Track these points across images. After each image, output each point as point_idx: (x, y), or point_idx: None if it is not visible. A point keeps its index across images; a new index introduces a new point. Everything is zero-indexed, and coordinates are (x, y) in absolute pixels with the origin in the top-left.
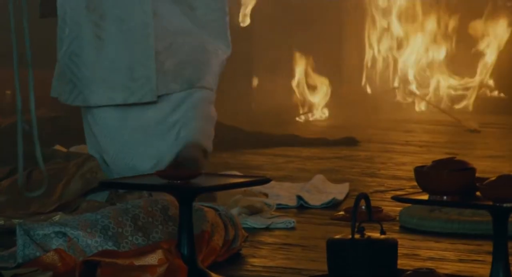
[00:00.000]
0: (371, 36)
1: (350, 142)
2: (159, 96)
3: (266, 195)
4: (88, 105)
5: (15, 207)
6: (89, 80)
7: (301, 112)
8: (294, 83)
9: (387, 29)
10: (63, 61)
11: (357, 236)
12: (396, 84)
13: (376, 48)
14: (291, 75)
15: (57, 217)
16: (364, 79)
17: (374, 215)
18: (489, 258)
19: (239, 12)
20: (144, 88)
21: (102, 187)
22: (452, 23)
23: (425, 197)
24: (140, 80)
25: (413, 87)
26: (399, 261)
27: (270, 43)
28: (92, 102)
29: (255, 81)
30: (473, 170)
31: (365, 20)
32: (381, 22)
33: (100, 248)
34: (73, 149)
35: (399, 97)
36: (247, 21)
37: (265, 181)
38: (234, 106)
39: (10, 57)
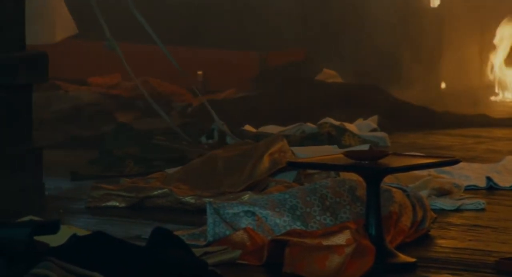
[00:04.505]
0: None
1: None
2: None
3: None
4: None
5: (206, 186)
6: None
7: (494, 91)
8: (487, 61)
9: None
10: None
11: None
12: None
13: None
14: (483, 52)
15: (246, 197)
16: None
17: None
18: None
19: None
20: None
21: (290, 167)
22: None
23: None
24: None
25: None
26: None
27: (460, 22)
28: None
29: (445, 60)
30: None
31: None
32: None
33: (288, 228)
34: (262, 129)
35: None
36: (437, 1)
37: (454, 162)
38: (424, 86)
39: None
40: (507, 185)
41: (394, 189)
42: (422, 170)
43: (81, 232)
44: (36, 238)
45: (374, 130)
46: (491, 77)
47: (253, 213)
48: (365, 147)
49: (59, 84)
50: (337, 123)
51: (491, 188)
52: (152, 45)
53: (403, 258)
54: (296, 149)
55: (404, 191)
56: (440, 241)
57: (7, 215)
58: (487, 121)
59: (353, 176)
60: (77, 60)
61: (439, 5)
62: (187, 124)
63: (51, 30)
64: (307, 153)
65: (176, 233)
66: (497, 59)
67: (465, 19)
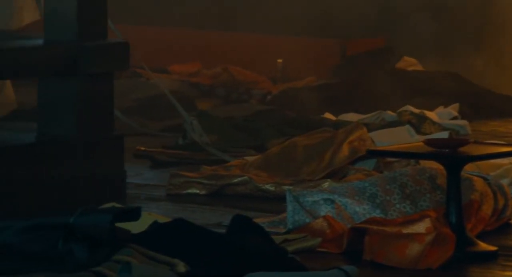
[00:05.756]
0: None
1: None
2: None
3: None
4: None
5: (285, 173)
6: None
7: None
8: None
9: None
10: None
11: None
12: None
13: None
14: None
15: (325, 184)
16: None
17: None
18: None
19: None
20: None
21: (370, 155)
22: None
23: None
24: None
25: None
26: None
27: None
28: None
29: None
30: None
31: None
32: None
33: (367, 216)
34: (341, 117)
35: None
36: None
37: None
38: (505, 73)
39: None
40: None
41: (475, 178)
42: (504, 158)
43: (162, 219)
44: (118, 225)
45: (454, 118)
46: None
47: (333, 201)
48: (444, 134)
49: (140, 72)
50: (417, 111)
51: None
52: (235, 32)
53: (484, 246)
54: (371, 134)
55: (485, 179)
56: None
57: (90, 202)
58: None
59: (433, 164)
60: (157, 48)
61: None
62: (266, 111)
63: (18, 15)
64: (382, 136)
65: (256, 220)
66: None
67: None
